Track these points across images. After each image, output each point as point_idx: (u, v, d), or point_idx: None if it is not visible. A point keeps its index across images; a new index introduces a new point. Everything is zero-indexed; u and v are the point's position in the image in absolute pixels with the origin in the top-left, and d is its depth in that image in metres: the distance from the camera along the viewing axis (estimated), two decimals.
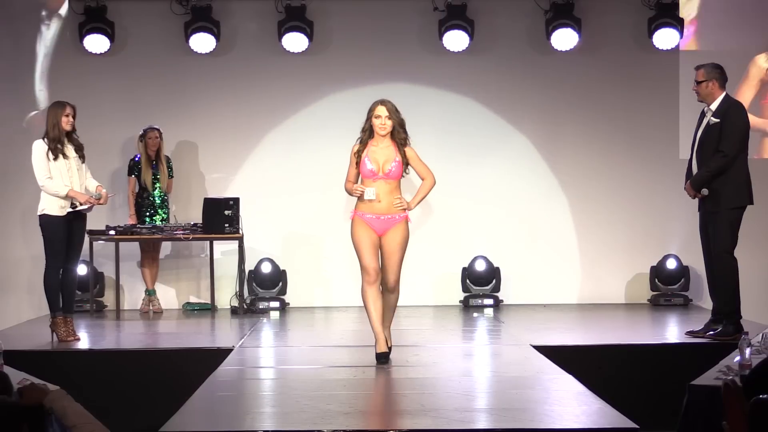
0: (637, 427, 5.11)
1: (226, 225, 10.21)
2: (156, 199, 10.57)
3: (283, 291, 10.87)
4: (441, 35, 10.92)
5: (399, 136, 7.20)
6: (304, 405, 5.76)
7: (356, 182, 7.28)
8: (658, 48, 10.96)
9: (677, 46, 10.93)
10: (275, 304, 10.71)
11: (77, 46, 10.92)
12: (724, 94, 8.08)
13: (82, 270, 9.81)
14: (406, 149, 7.23)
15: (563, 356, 7.48)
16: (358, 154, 7.22)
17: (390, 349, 7.29)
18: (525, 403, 5.90)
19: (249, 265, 10.73)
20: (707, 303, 9.10)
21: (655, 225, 11.15)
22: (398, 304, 7.40)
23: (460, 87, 11.15)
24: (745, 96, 10.63)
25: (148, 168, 10.53)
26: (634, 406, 6.33)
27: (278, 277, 10.86)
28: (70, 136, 8.39)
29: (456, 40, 10.92)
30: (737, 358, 5.97)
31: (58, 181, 8.24)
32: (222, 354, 7.72)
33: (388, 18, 11.15)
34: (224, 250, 10.89)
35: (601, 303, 11.05)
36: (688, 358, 7.68)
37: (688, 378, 6.09)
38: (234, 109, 11.15)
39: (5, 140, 10.88)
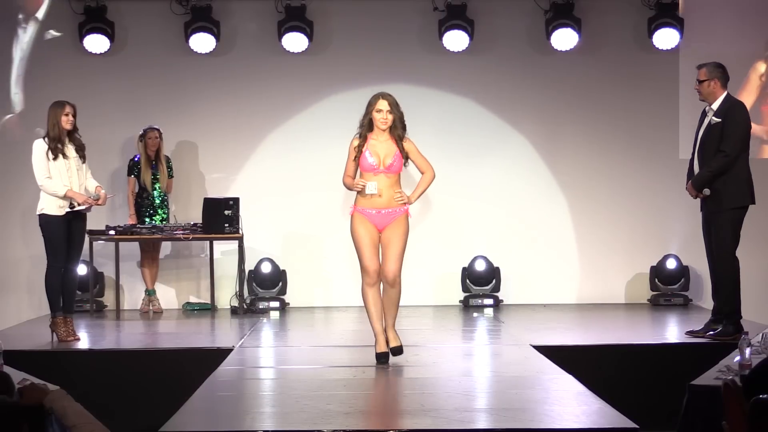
0: (637, 427, 5.11)
1: (226, 225, 10.21)
2: (156, 199, 10.57)
3: (283, 291, 10.87)
4: (441, 35, 10.92)
5: (397, 131, 7.12)
6: (304, 405, 5.76)
7: (355, 177, 7.19)
8: (658, 48, 10.96)
9: (677, 46, 10.92)
10: (275, 304, 10.71)
11: (77, 46, 10.92)
12: (725, 93, 8.06)
13: (82, 270, 9.80)
14: (406, 143, 7.14)
15: (563, 356, 7.48)
16: (358, 148, 7.12)
17: (401, 347, 7.18)
18: (525, 403, 5.89)
19: (249, 265, 10.73)
20: (707, 303, 9.12)
21: (655, 225, 11.15)
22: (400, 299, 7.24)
23: (460, 87, 11.15)
24: (746, 102, 10.60)
25: (148, 168, 10.53)
26: (634, 406, 6.34)
27: (278, 277, 10.86)
28: (72, 135, 8.40)
29: (456, 40, 10.92)
30: (737, 358, 5.97)
31: (57, 180, 8.24)
32: (222, 354, 7.72)
33: (388, 18, 11.16)
34: (224, 250, 10.89)
35: (601, 303, 11.05)
36: (688, 358, 7.68)
37: (688, 378, 6.09)
38: (234, 109, 11.16)
39: (5, 140, 10.89)
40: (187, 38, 10.89)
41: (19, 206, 10.62)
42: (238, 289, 10.53)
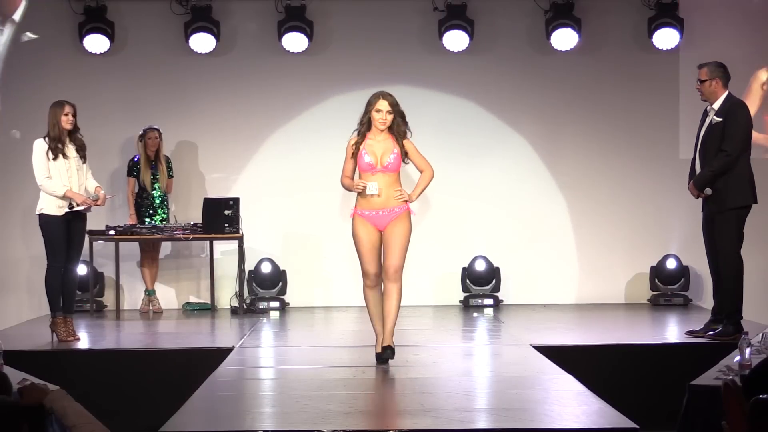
0: (637, 427, 5.11)
1: (226, 225, 10.21)
2: (155, 199, 10.57)
3: (283, 291, 10.87)
4: (441, 35, 10.92)
5: (399, 128, 7.01)
6: (304, 405, 5.76)
7: (353, 177, 7.09)
8: (658, 48, 10.96)
9: (677, 46, 10.92)
10: (275, 304, 10.71)
11: (77, 46, 10.92)
12: (726, 93, 8.05)
13: (82, 270, 9.80)
14: (405, 142, 7.04)
15: (563, 356, 7.48)
16: (356, 146, 7.02)
17: (393, 350, 7.08)
18: (525, 403, 5.89)
19: (249, 265, 10.73)
20: (707, 303, 9.13)
21: (655, 225, 11.15)
22: (402, 297, 7.10)
23: (460, 87, 11.15)
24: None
25: (148, 168, 10.53)
26: (634, 406, 6.33)
27: (278, 277, 10.86)
28: (73, 135, 8.40)
29: (456, 40, 10.92)
30: (737, 358, 5.97)
31: (57, 180, 8.24)
32: (222, 354, 7.72)
33: (388, 18, 11.16)
34: (224, 250, 10.89)
35: (600, 303, 11.05)
36: (688, 358, 7.67)
37: (688, 378, 6.09)
38: (234, 109, 11.16)
39: (5, 139, 10.89)
40: (187, 38, 10.89)
41: (19, 206, 10.62)
42: (238, 289, 10.53)
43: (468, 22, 10.91)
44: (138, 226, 10.30)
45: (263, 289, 10.83)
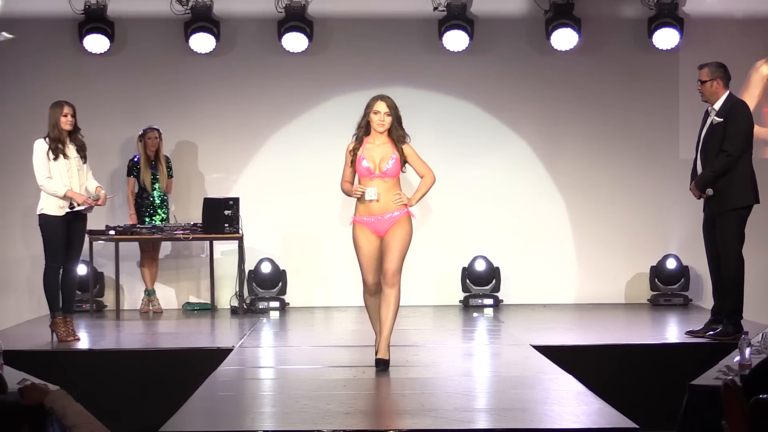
0: (637, 427, 5.11)
1: (226, 225, 10.21)
2: (155, 199, 10.58)
3: (283, 291, 10.87)
4: (441, 35, 10.92)
5: (397, 133, 6.93)
6: (304, 405, 5.76)
7: (353, 182, 7.03)
8: (658, 48, 10.96)
9: (677, 46, 10.92)
10: (275, 304, 10.71)
11: (77, 46, 10.92)
12: (727, 93, 8.04)
13: (82, 270, 9.80)
14: (404, 147, 6.95)
15: (563, 356, 7.48)
16: (354, 152, 6.95)
17: (387, 363, 6.93)
18: (525, 403, 5.89)
19: (249, 265, 10.73)
20: (707, 303, 9.13)
21: (655, 225, 11.15)
22: (400, 303, 7.00)
23: (460, 87, 11.15)
24: (747, 103, 10.59)
25: (147, 168, 10.53)
26: (634, 406, 6.33)
27: (278, 277, 10.86)
28: (74, 135, 8.40)
29: (456, 40, 10.91)
30: (737, 358, 5.97)
31: (58, 180, 8.24)
32: (222, 354, 7.72)
33: (388, 18, 11.15)
34: (224, 250, 10.89)
35: (600, 303, 11.05)
36: (688, 358, 7.67)
37: (688, 378, 6.09)
38: (234, 109, 11.16)
39: (6, 140, 10.89)
40: (187, 38, 10.89)
41: (19, 206, 10.62)
42: (238, 289, 10.52)
43: (468, 22, 10.91)
44: (138, 226, 10.30)
45: (263, 289, 10.83)
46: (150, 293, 10.66)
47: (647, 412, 7.24)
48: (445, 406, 5.75)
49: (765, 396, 3.64)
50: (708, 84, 8.03)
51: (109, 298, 10.77)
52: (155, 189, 10.57)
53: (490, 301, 10.80)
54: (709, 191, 7.95)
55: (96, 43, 10.87)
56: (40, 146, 8.31)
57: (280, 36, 10.92)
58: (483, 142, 11.21)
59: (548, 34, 10.93)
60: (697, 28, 11.00)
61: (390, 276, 6.90)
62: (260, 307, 10.62)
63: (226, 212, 10.21)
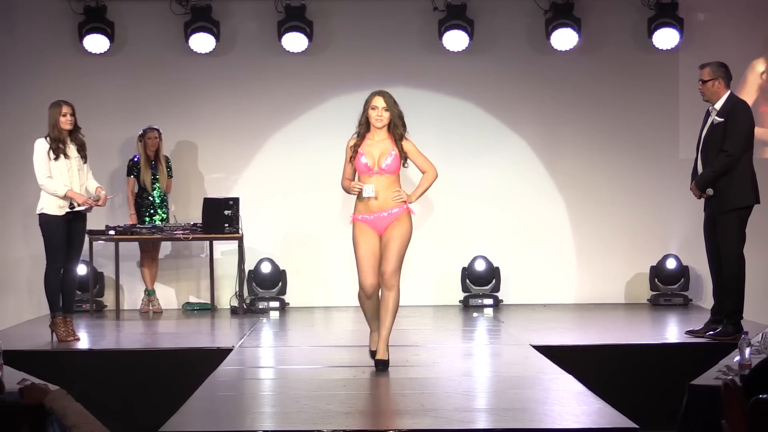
0: (637, 427, 5.11)
1: (226, 225, 10.21)
2: (155, 199, 10.58)
3: (283, 291, 10.87)
4: (441, 35, 10.92)
5: (397, 130, 6.87)
6: (304, 405, 5.76)
7: (353, 179, 6.96)
8: (658, 48, 10.96)
9: (677, 46, 10.92)
10: (275, 304, 10.71)
11: (77, 46, 10.92)
12: (728, 93, 8.03)
13: (82, 270, 9.80)
14: (405, 143, 6.89)
15: (563, 356, 7.48)
16: (354, 148, 6.89)
17: (387, 363, 6.91)
18: (525, 403, 5.89)
19: (249, 265, 10.73)
20: (707, 303, 9.14)
21: (655, 225, 11.15)
22: (399, 303, 6.94)
23: (460, 87, 11.15)
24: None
25: (147, 168, 10.53)
26: (634, 406, 6.34)
27: (278, 277, 10.86)
28: (74, 134, 8.40)
29: (456, 40, 10.92)
30: (737, 358, 5.97)
31: (58, 180, 8.24)
32: (222, 354, 7.72)
33: (388, 18, 11.16)
34: (224, 250, 10.89)
35: (600, 303, 11.05)
36: (688, 358, 7.68)
37: (688, 378, 6.09)
38: (234, 109, 11.16)
39: (6, 139, 10.89)
40: (187, 38, 10.89)
41: (19, 206, 10.62)
42: (238, 289, 10.53)
43: (468, 22, 10.91)
44: (138, 226, 10.30)
45: (263, 289, 10.83)
46: (150, 293, 10.66)
47: (647, 412, 7.25)
48: (445, 406, 5.75)
49: (765, 396, 3.64)
50: (709, 83, 8.02)
51: (109, 298, 10.77)
52: (155, 189, 10.57)
53: (490, 301, 10.80)
54: (710, 191, 7.95)
55: (96, 43, 10.88)
56: (41, 145, 8.30)
57: (280, 36, 10.92)
58: (483, 142, 11.21)
59: (548, 34, 10.93)
60: (697, 28, 11.00)
61: (388, 277, 6.85)
62: (260, 307, 10.62)
63: (226, 212, 10.22)
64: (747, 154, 7.96)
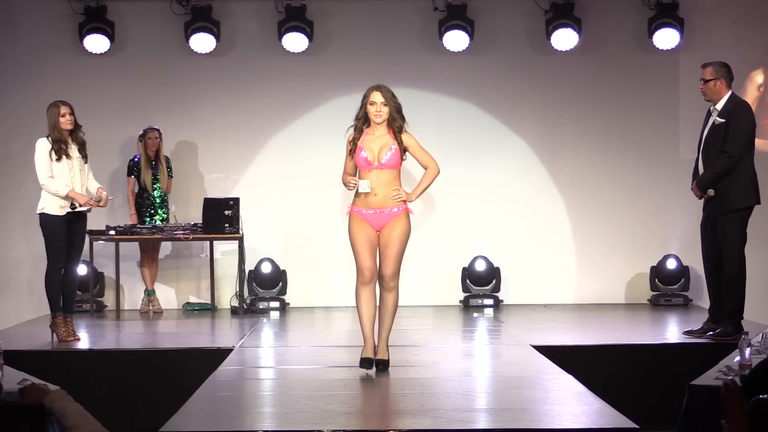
0: (637, 427, 5.11)
1: (226, 225, 10.21)
2: (156, 199, 10.58)
3: (283, 291, 10.87)
4: (441, 35, 10.92)
5: (395, 123, 6.79)
6: (304, 405, 5.76)
7: (354, 174, 6.87)
8: (658, 48, 10.96)
9: (677, 46, 10.92)
10: (275, 304, 10.71)
11: (77, 46, 10.92)
12: (730, 93, 8.01)
13: (82, 270, 9.79)
14: (405, 137, 6.80)
15: (563, 356, 7.48)
16: (353, 143, 6.81)
17: (387, 362, 6.87)
18: (525, 403, 5.90)
19: (249, 265, 10.73)
20: (707, 303, 9.10)
21: (655, 225, 11.15)
22: (398, 304, 6.89)
23: (460, 87, 11.15)
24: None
25: (148, 168, 10.54)
26: (634, 406, 6.34)
27: (278, 277, 10.86)
28: (75, 133, 8.40)
29: (456, 40, 10.92)
30: (737, 358, 5.97)
31: (59, 180, 8.24)
32: (222, 354, 7.72)
33: (388, 18, 11.16)
34: (224, 250, 10.90)
35: (600, 303, 11.05)
36: (687, 358, 7.68)
37: (688, 378, 6.09)
38: (234, 109, 11.16)
39: (6, 139, 10.89)
40: (187, 38, 10.89)
41: (20, 206, 10.63)
42: (238, 289, 10.53)
43: (468, 22, 10.91)
44: (138, 226, 10.30)
45: (263, 289, 10.83)
46: (150, 293, 10.66)
47: (647, 412, 7.25)
48: (445, 406, 5.75)
49: (765, 396, 3.64)
50: (711, 83, 8.00)
51: (109, 298, 10.77)
52: (155, 189, 10.57)
53: (490, 301, 10.80)
54: (711, 192, 7.94)
55: (96, 43, 10.88)
56: (43, 145, 8.30)
57: (280, 36, 10.92)
58: (483, 142, 11.21)
59: (548, 34, 10.93)
60: (697, 28, 11.00)
61: (388, 280, 6.81)
62: (260, 307, 10.62)
63: (226, 212, 10.22)
64: (748, 155, 7.95)
